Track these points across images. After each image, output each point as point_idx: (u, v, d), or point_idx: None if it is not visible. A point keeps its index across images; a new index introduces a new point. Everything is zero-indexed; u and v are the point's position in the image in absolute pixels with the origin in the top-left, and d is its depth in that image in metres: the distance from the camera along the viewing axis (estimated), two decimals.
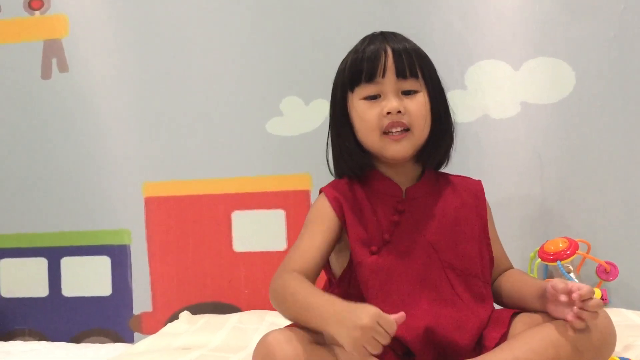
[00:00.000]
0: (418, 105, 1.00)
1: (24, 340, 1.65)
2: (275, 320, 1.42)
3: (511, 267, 1.10)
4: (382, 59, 0.99)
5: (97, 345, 1.55)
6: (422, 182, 1.06)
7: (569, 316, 0.86)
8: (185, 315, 1.54)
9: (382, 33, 1.05)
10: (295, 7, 1.60)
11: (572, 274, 1.36)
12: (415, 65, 1.00)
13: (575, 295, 0.85)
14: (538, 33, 1.50)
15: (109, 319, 1.66)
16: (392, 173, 1.05)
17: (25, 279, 1.71)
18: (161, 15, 1.65)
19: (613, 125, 1.47)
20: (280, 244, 1.60)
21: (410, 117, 1.00)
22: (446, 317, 0.95)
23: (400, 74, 0.99)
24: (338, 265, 1.05)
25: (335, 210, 1.01)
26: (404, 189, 1.04)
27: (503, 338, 0.93)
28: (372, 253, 0.99)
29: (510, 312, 0.98)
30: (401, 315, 0.81)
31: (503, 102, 1.52)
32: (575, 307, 0.85)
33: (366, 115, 1.01)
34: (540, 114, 1.50)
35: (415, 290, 0.98)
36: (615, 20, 1.46)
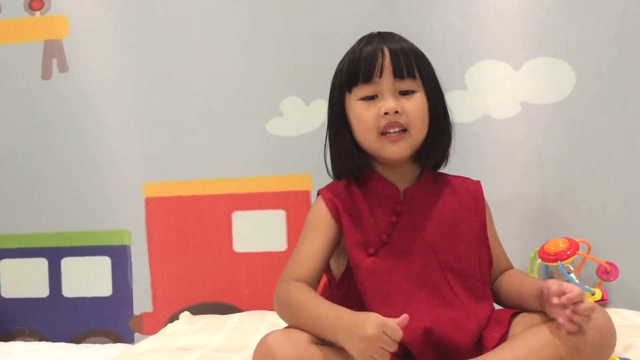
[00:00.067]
0: (415, 106, 1.00)
1: (24, 340, 1.65)
2: (276, 321, 1.42)
3: (511, 267, 1.10)
4: (379, 60, 0.99)
5: (98, 345, 1.55)
6: (420, 183, 1.05)
7: (561, 319, 0.86)
8: (185, 315, 1.54)
9: (379, 33, 1.04)
10: (295, 7, 1.60)
11: (572, 275, 1.36)
12: (412, 65, 1.00)
13: (563, 299, 0.85)
14: (538, 33, 1.50)
15: (109, 319, 1.66)
16: (390, 174, 1.05)
17: (25, 280, 1.71)
18: (161, 15, 1.65)
19: (613, 125, 1.47)
20: (281, 245, 1.60)
21: (408, 118, 1.00)
22: (445, 317, 0.95)
23: (398, 74, 0.99)
24: (337, 267, 1.05)
25: (332, 213, 1.02)
26: (402, 189, 1.04)
27: (503, 338, 0.93)
28: (370, 255, 0.99)
29: (510, 312, 0.98)
30: (404, 317, 0.82)
31: (503, 102, 1.52)
32: (567, 310, 0.85)
33: (363, 115, 1.00)
34: (540, 114, 1.50)
35: (414, 291, 0.97)
36: (615, 20, 1.46)
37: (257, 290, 1.61)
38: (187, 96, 1.64)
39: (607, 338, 0.89)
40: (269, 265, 1.60)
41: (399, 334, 0.80)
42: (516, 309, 0.99)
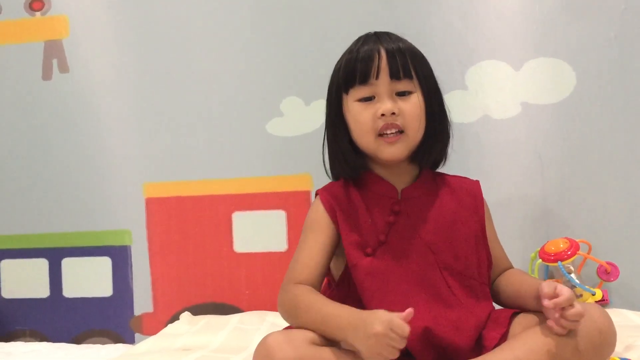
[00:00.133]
0: (412, 107, 1.00)
1: (25, 341, 1.65)
2: (276, 321, 1.42)
3: (511, 267, 1.09)
4: (376, 61, 0.99)
5: (98, 346, 1.55)
6: (418, 183, 1.06)
7: (549, 321, 0.86)
8: (186, 315, 1.54)
9: (375, 33, 1.04)
10: (295, 8, 1.60)
11: (573, 275, 1.36)
12: (409, 65, 1.00)
13: (550, 303, 0.85)
14: (539, 33, 1.50)
15: (109, 319, 1.66)
16: (388, 174, 1.05)
17: (26, 280, 1.71)
18: (161, 15, 1.65)
19: (613, 125, 1.47)
20: (281, 245, 1.60)
21: (405, 119, 0.99)
22: (444, 318, 0.95)
23: (394, 76, 0.99)
24: (336, 268, 1.05)
25: (329, 214, 1.02)
26: (399, 189, 1.04)
27: (503, 338, 0.93)
28: (367, 255, 0.99)
29: (510, 312, 0.98)
30: (409, 312, 0.82)
31: (504, 102, 1.52)
32: (556, 314, 0.85)
33: (360, 117, 1.01)
34: (540, 114, 1.50)
35: (412, 291, 0.98)
36: (615, 20, 1.46)
37: (258, 291, 1.61)
38: (187, 96, 1.64)
39: (608, 338, 0.89)
40: (269, 265, 1.60)
41: (405, 330, 0.81)
42: (516, 308, 0.99)
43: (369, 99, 1.00)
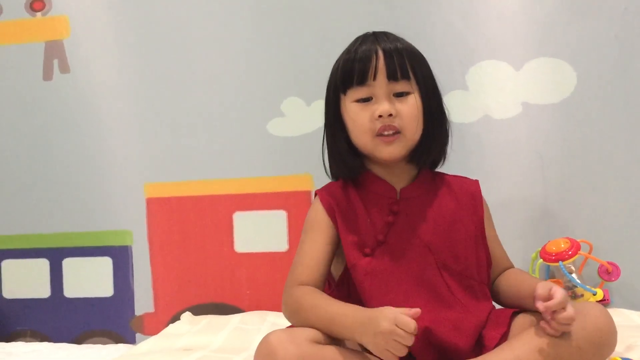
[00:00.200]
0: (409, 108, 1.00)
1: (26, 341, 1.65)
2: (277, 321, 1.42)
3: (511, 267, 1.09)
4: (373, 61, 0.99)
5: (99, 346, 1.55)
6: (416, 183, 1.06)
7: (542, 323, 0.87)
8: (187, 316, 1.54)
9: (374, 33, 1.04)
10: (296, 8, 1.60)
11: (574, 275, 1.36)
12: (406, 66, 1.00)
13: (541, 307, 0.85)
14: (539, 33, 1.50)
15: (110, 319, 1.66)
16: (386, 174, 1.05)
17: (27, 280, 1.71)
18: (162, 16, 1.65)
19: (614, 125, 1.47)
20: (282, 245, 1.60)
21: (402, 120, 0.99)
22: (444, 318, 0.95)
23: (392, 76, 0.99)
24: (336, 268, 1.05)
25: (329, 214, 1.02)
26: (398, 189, 1.04)
27: (503, 338, 0.93)
28: (366, 255, 0.99)
29: (510, 311, 0.98)
30: (416, 311, 0.83)
31: (504, 102, 1.52)
32: (548, 316, 0.85)
33: (358, 118, 1.01)
34: (541, 114, 1.50)
35: (411, 291, 0.98)
36: (616, 20, 1.46)
37: (259, 291, 1.61)
38: (188, 96, 1.65)
39: (608, 337, 0.89)
40: (270, 265, 1.60)
41: (410, 326, 0.81)
42: (516, 308, 0.99)
43: (366, 100, 1.01)
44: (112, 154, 1.67)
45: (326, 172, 1.10)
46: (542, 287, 0.86)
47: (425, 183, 1.06)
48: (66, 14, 1.68)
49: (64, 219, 1.69)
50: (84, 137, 1.68)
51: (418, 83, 1.01)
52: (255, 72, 1.61)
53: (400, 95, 1.00)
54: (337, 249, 1.03)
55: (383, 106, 0.99)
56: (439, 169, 1.10)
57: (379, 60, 0.99)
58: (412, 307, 0.88)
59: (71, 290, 1.69)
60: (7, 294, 1.72)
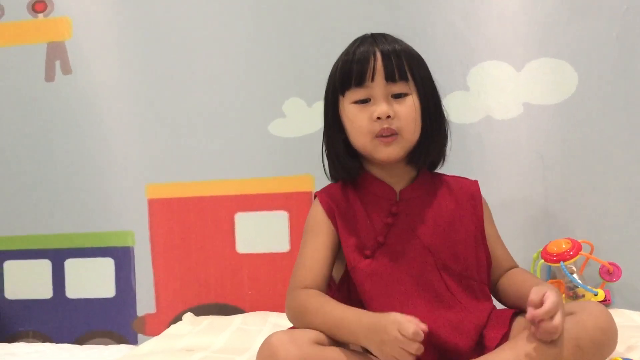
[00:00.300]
0: (407, 109, 1.00)
1: (28, 342, 1.66)
2: (279, 322, 1.42)
3: (515, 267, 1.08)
4: (371, 63, 0.99)
5: (101, 346, 1.55)
6: (416, 184, 1.06)
7: (532, 328, 0.86)
8: (188, 316, 1.54)
9: (372, 35, 1.04)
10: (297, 9, 1.60)
11: (575, 275, 1.36)
12: (404, 67, 1.00)
13: (528, 316, 0.85)
14: (540, 34, 1.50)
15: (112, 320, 1.67)
16: (386, 175, 1.05)
17: (29, 281, 1.71)
18: (164, 17, 1.66)
19: (615, 125, 1.47)
20: (284, 246, 1.61)
21: (400, 122, 1.00)
22: (444, 319, 0.95)
23: (390, 78, 0.99)
24: (336, 270, 1.05)
25: (329, 215, 1.02)
26: (397, 190, 1.04)
27: (504, 338, 0.93)
28: (366, 257, 0.99)
29: (510, 312, 0.98)
30: (423, 327, 0.82)
31: (505, 103, 1.52)
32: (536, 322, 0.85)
33: (357, 119, 1.01)
34: (542, 114, 1.50)
35: (411, 292, 0.98)
36: (617, 20, 1.46)
37: (260, 291, 1.61)
38: (190, 97, 1.65)
39: (609, 336, 0.89)
40: (271, 266, 1.60)
41: (409, 331, 0.81)
42: (517, 308, 0.99)
43: (364, 101, 1.01)
44: (114, 154, 1.67)
45: (325, 173, 1.10)
46: (535, 293, 0.85)
47: (425, 184, 1.06)
48: (68, 15, 1.69)
49: (66, 220, 1.69)
50: (86, 138, 1.68)
51: (416, 84, 1.01)
52: (257, 73, 1.62)
53: (398, 96, 1.00)
54: (338, 250, 1.03)
55: (381, 107, 0.99)
56: (439, 170, 1.11)
57: (377, 61, 0.99)
58: (412, 307, 0.88)
59: (73, 291, 1.70)
60: (9, 295, 1.73)
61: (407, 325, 0.81)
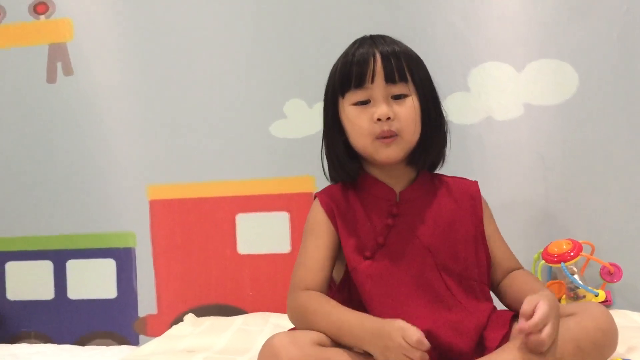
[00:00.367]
0: (407, 110, 1.00)
1: (30, 342, 1.66)
2: (280, 322, 1.42)
3: (518, 268, 1.07)
4: (371, 64, 0.99)
5: (103, 347, 1.55)
6: (415, 185, 1.06)
7: (524, 337, 0.86)
8: (190, 317, 1.54)
9: (371, 36, 1.04)
10: (298, 10, 1.60)
11: (576, 276, 1.36)
12: (404, 68, 1.00)
13: (515, 329, 0.85)
14: (541, 35, 1.50)
15: (114, 321, 1.67)
16: (385, 176, 1.05)
17: (30, 282, 1.72)
18: (165, 19, 1.66)
19: (616, 126, 1.47)
20: (285, 246, 1.61)
21: (400, 123, 1.00)
22: (444, 320, 0.95)
23: (389, 79, 0.99)
24: (337, 271, 1.05)
25: (329, 216, 1.02)
26: (397, 192, 1.05)
27: (505, 339, 0.93)
28: (366, 258, 0.99)
29: (511, 313, 0.98)
30: (426, 345, 0.82)
31: (506, 103, 1.52)
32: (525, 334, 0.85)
33: (357, 121, 1.01)
34: (543, 115, 1.50)
35: (412, 293, 0.98)
36: (617, 21, 1.46)
37: (261, 292, 1.61)
38: (191, 99, 1.65)
39: (609, 337, 0.89)
40: (272, 267, 1.60)
41: (413, 338, 0.81)
42: (517, 312, 0.99)
43: (364, 103, 1.01)
44: (116, 156, 1.68)
45: (325, 175, 1.10)
46: (527, 303, 0.85)
47: (425, 185, 1.07)
48: (70, 17, 1.69)
49: (68, 221, 1.69)
50: (87, 139, 1.68)
51: (416, 85, 1.02)
52: (258, 74, 1.62)
53: (398, 97, 1.01)
54: (338, 250, 1.03)
55: (381, 109, 0.99)
56: (439, 171, 1.11)
57: (376, 63, 0.99)
58: (412, 308, 0.88)
59: (75, 292, 1.70)
60: (11, 296, 1.73)
61: (412, 333, 0.82)
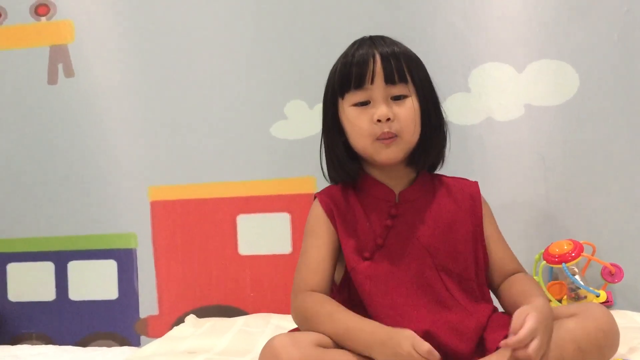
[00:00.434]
0: (407, 111, 1.00)
1: (31, 344, 1.66)
2: (281, 323, 1.42)
3: (518, 270, 1.06)
4: (370, 65, 0.99)
5: (104, 348, 1.55)
6: (415, 185, 1.06)
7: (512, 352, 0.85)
8: (191, 318, 1.55)
9: (370, 37, 1.04)
10: (298, 10, 1.61)
11: (577, 276, 1.36)
12: (404, 69, 1.00)
13: (501, 343, 0.84)
14: (542, 35, 1.50)
15: (115, 322, 1.67)
16: (385, 177, 1.05)
17: (32, 283, 1.72)
18: (165, 20, 1.66)
19: (616, 126, 1.47)
20: (286, 247, 1.61)
21: (400, 124, 1.00)
22: (444, 322, 0.95)
23: (389, 80, 0.99)
24: (337, 271, 1.05)
25: (329, 216, 1.02)
26: (397, 192, 1.05)
27: None
28: (365, 259, 0.99)
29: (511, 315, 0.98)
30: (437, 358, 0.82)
31: (507, 104, 1.52)
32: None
33: (357, 121, 1.01)
34: (544, 116, 1.50)
35: (411, 294, 0.98)
36: (618, 22, 1.46)
37: (262, 293, 1.61)
38: (192, 100, 1.65)
39: (610, 338, 0.89)
40: (274, 267, 1.61)
41: (424, 349, 0.81)
42: None
43: (364, 104, 1.01)
44: (117, 157, 1.68)
45: (324, 176, 1.10)
46: (517, 317, 0.84)
47: (424, 185, 1.06)
48: (71, 19, 1.69)
49: (69, 222, 1.70)
50: (88, 141, 1.69)
51: (415, 86, 1.02)
52: (258, 75, 1.62)
53: (397, 98, 1.01)
54: (339, 250, 1.03)
55: (381, 110, 0.99)
56: (440, 171, 1.11)
57: (376, 63, 0.99)
58: (412, 309, 0.88)
59: (76, 293, 1.70)
60: (12, 297, 1.73)
61: (422, 342, 0.82)
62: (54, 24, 1.70)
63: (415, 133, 1.02)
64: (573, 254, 1.35)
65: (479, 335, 0.95)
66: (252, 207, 1.62)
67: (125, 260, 1.67)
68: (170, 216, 1.65)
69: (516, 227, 1.47)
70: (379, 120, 0.99)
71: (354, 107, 1.01)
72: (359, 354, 0.89)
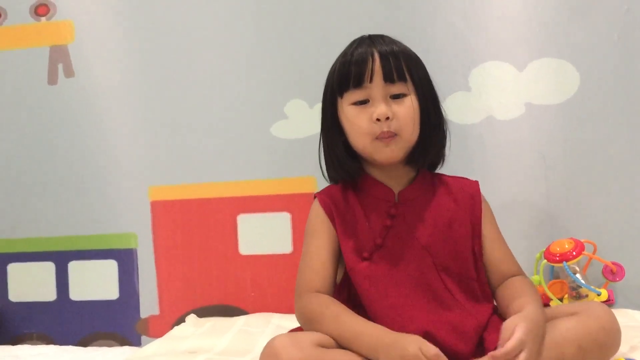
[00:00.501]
0: (406, 110, 1.00)
1: (32, 344, 1.66)
2: (281, 323, 1.42)
3: (516, 273, 1.05)
4: (369, 64, 0.99)
5: (105, 348, 1.55)
6: (415, 185, 1.06)
7: None
8: (191, 318, 1.55)
9: (369, 36, 1.05)
10: (298, 10, 1.60)
11: (578, 275, 1.36)
12: (402, 68, 1.00)
13: (489, 354, 0.83)
14: (542, 34, 1.50)
15: (116, 322, 1.67)
16: (385, 177, 1.05)
17: (32, 283, 1.72)
18: (166, 20, 1.66)
19: (617, 125, 1.47)
20: (286, 247, 1.61)
21: (399, 122, 1.00)
22: (444, 321, 0.95)
23: (388, 78, 0.99)
24: (337, 272, 1.05)
25: (329, 216, 1.02)
26: (396, 192, 1.04)
27: None
28: (364, 259, 0.99)
29: None
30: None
31: (507, 103, 1.52)
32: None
33: (356, 120, 1.01)
34: (544, 115, 1.50)
35: (411, 294, 0.98)
36: (618, 21, 1.46)
37: (263, 293, 1.61)
38: (192, 100, 1.65)
39: (612, 337, 0.89)
40: (274, 267, 1.60)
41: (432, 352, 0.81)
42: None
43: (363, 103, 1.01)
44: (117, 157, 1.68)
45: (324, 175, 1.10)
46: (505, 329, 0.84)
47: (424, 185, 1.06)
48: (71, 19, 1.69)
49: (70, 222, 1.69)
50: (89, 141, 1.68)
51: (414, 85, 1.01)
52: (258, 74, 1.62)
53: (396, 97, 1.01)
54: (340, 250, 1.03)
55: (380, 108, 0.99)
56: (440, 170, 1.10)
57: (375, 62, 0.99)
58: (412, 309, 0.88)
59: (77, 293, 1.70)
60: (13, 297, 1.73)
61: (430, 346, 0.82)
62: (54, 24, 1.70)
63: (414, 132, 1.02)
64: (574, 253, 1.35)
65: (479, 335, 0.95)
66: (252, 206, 1.62)
67: (126, 260, 1.67)
68: (171, 216, 1.65)
69: (517, 226, 1.47)
70: (378, 119, 0.99)
71: (353, 106, 1.01)
72: (358, 354, 0.89)
